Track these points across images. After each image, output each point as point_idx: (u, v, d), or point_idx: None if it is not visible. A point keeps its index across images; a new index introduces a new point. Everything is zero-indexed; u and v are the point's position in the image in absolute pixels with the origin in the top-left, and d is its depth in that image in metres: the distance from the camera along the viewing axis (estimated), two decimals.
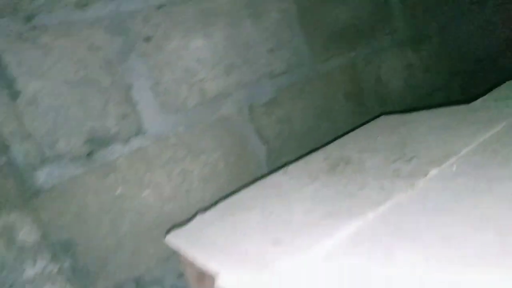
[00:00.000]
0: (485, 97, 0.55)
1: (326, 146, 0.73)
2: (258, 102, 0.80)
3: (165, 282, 0.66)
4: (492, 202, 0.23)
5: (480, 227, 0.20)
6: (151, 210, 0.65)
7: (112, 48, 0.63)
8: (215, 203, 0.62)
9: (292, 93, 0.86)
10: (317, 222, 0.30)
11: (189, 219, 0.58)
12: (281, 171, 0.66)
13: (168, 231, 0.56)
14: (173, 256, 0.64)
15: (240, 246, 0.30)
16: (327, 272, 0.23)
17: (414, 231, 0.23)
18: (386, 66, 1.07)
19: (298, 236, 0.27)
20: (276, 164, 0.80)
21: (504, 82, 0.68)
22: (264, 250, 0.25)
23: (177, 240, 0.42)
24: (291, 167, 0.65)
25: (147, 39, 0.67)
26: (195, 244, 0.37)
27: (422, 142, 0.39)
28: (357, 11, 1.01)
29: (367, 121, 0.87)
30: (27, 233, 0.53)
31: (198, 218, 0.52)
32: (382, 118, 0.77)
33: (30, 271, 0.54)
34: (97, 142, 0.62)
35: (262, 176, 0.70)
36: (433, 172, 0.32)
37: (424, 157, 0.33)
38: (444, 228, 0.22)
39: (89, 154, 0.61)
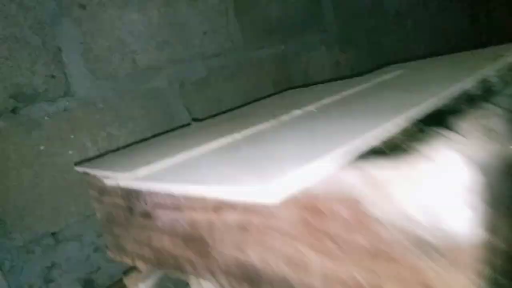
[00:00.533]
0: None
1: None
2: (189, 80, 0.85)
3: (85, 239, 0.69)
4: (325, 124, 0.31)
5: (311, 136, 0.28)
6: (73, 170, 0.68)
7: (45, 9, 0.65)
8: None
9: (223, 76, 0.92)
10: (195, 143, 0.37)
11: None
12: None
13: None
14: (93, 215, 0.68)
15: (128, 164, 0.36)
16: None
17: (262, 142, 0.31)
18: (314, 62, 1.17)
19: (171, 155, 0.34)
20: None
21: None
22: (139, 165, 0.32)
23: (84, 166, 0.46)
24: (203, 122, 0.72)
25: (82, 6, 0.70)
26: (98, 166, 0.42)
27: (303, 100, 0.47)
28: (290, 9, 1.10)
29: None
30: None
31: (107, 155, 0.57)
32: (289, 90, 0.88)
33: None
34: (22, 99, 0.63)
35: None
36: (297, 112, 0.41)
37: (299, 108, 0.41)
38: (286, 137, 0.31)
39: (14, 110, 0.63)
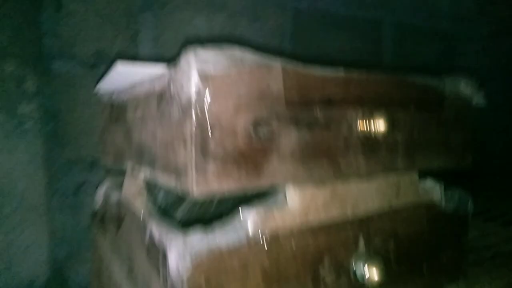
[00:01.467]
0: None
1: None
2: None
3: None
4: None
5: None
6: None
7: (134, 2, 0.89)
8: None
9: None
10: None
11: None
12: None
13: None
14: None
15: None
16: None
17: None
18: None
19: None
20: None
21: None
22: None
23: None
24: None
25: (163, 4, 0.93)
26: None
27: None
28: (346, 45, 1.22)
29: None
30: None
31: None
32: None
33: None
34: (100, 59, 0.87)
35: None
36: None
37: None
38: None
39: (93, 65, 0.86)
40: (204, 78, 0.28)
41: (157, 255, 0.32)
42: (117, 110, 0.49)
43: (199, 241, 0.29)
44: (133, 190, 0.44)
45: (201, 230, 0.30)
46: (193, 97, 0.28)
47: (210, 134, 0.28)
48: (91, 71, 0.85)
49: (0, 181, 0.76)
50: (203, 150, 0.28)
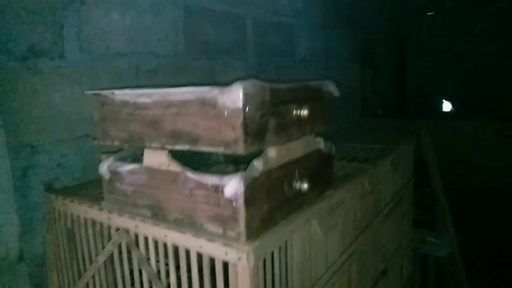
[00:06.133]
0: None
1: None
2: (143, 67, 1.22)
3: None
4: None
5: None
6: (56, 109, 1.00)
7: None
8: None
9: (167, 71, 1.30)
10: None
11: None
12: None
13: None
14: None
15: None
16: None
17: None
18: (234, 78, 1.61)
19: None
20: None
21: None
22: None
23: (93, 91, 0.80)
24: None
25: (82, 1, 1.05)
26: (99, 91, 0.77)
27: None
28: (223, 37, 1.53)
29: None
30: None
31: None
32: None
33: None
34: (33, 53, 0.95)
35: None
36: None
37: None
38: None
39: (25, 59, 0.94)
40: (245, 95, 0.58)
41: (213, 190, 0.61)
42: (129, 107, 0.70)
43: (243, 176, 0.60)
44: (160, 159, 0.68)
45: (240, 172, 0.61)
46: (241, 105, 0.57)
47: (246, 122, 0.59)
48: (23, 63, 0.93)
49: None
50: (245, 131, 0.58)
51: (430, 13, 3.53)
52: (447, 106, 3.55)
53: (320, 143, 0.83)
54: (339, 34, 2.46)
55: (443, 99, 3.56)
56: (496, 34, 3.22)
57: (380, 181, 1.24)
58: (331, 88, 0.85)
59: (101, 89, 0.77)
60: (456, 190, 2.42)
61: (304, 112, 0.72)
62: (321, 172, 0.84)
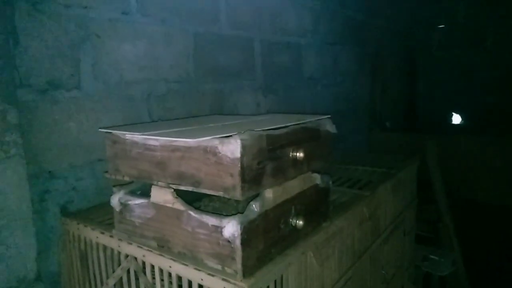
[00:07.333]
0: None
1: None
2: (154, 94, 1.29)
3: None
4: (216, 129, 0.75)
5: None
6: (72, 136, 1.07)
7: (76, 35, 1.06)
8: None
9: (178, 95, 1.36)
10: (165, 127, 0.80)
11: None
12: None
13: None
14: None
15: (128, 130, 0.79)
16: None
17: (195, 131, 0.75)
18: (242, 100, 1.67)
19: (154, 129, 0.76)
20: None
21: None
22: (136, 130, 0.77)
23: (106, 129, 0.86)
24: None
25: (98, 36, 1.12)
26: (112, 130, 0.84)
27: (220, 120, 0.93)
28: (232, 60, 1.59)
29: None
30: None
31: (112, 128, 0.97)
32: (216, 115, 1.35)
33: None
34: (52, 86, 1.02)
35: None
36: (211, 124, 0.87)
37: (214, 123, 0.87)
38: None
39: (45, 91, 1.01)
40: (243, 147, 0.63)
41: (213, 230, 0.67)
42: (138, 147, 0.77)
43: (240, 219, 0.65)
44: (166, 196, 0.74)
45: (238, 215, 0.66)
46: (239, 155, 0.63)
47: (244, 171, 0.64)
48: (43, 95, 1.01)
49: None
50: (242, 178, 0.64)
51: (441, 26, 3.53)
52: (457, 119, 3.55)
53: (317, 179, 0.88)
54: (347, 50, 2.50)
55: (452, 111, 3.56)
56: (507, 48, 3.21)
57: (380, 206, 1.28)
58: (328, 126, 0.90)
59: (113, 127, 0.84)
60: (463, 205, 2.44)
61: (301, 154, 0.77)
62: (317, 206, 0.89)
